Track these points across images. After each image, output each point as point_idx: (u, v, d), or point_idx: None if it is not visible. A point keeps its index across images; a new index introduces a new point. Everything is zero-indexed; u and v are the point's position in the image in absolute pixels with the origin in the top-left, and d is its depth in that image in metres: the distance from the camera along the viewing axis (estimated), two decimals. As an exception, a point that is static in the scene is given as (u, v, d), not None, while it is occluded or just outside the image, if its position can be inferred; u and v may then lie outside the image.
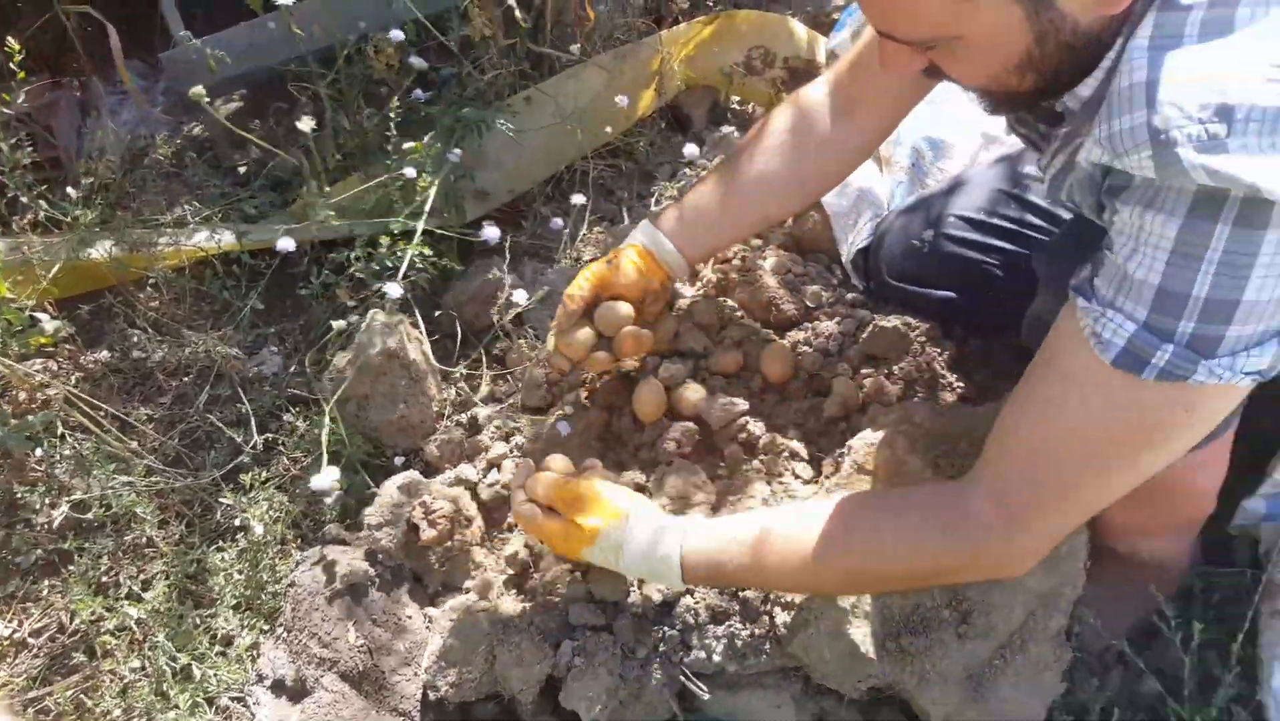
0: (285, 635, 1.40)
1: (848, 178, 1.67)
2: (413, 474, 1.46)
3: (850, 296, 1.64)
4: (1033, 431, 1.04)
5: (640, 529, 1.20)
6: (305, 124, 1.48)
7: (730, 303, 1.59)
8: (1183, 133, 0.81)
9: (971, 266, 1.52)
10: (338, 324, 1.45)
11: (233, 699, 1.39)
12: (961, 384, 1.52)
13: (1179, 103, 0.82)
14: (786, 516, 1.21)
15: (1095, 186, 0.97)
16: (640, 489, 1.43)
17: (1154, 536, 1.39)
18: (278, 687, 1.36)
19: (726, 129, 1.98)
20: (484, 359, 1.65)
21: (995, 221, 1.52)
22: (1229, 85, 0.80)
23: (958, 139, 1.84)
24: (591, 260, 1.62)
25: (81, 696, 1.37)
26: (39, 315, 1.52)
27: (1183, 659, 1.24)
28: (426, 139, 1.58)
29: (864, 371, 1.52)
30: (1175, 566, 1.43)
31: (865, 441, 1.39)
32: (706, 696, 1.30)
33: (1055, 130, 1.08)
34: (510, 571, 1.43)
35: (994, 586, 1.29)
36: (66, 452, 1.50)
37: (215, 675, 1.37)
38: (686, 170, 1.89)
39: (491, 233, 1.54)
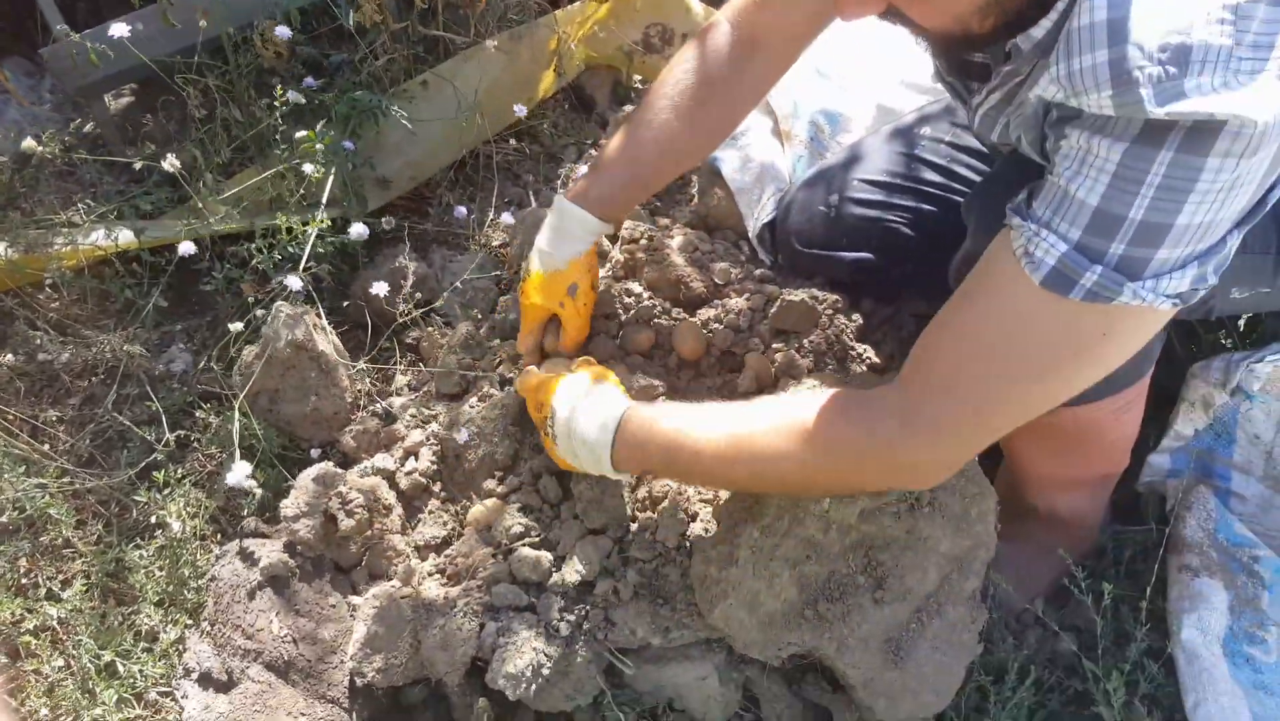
0: (209, 628, 1.42)
1: (749, 153, 1.72)
2: (327, 465, 1.49)
3: (759, 272, 1.69)
4: (956, 344, 1.06)
5: (589, 411, 1.27)
6: (169, 163, 1.44)
7: (633, 286, 1.63)
8: (1144, 73, 0.84)
9: (877, 225, 1.56)
10: (234, 326, 1.45)
11: (160, 693, 1.41)
12: (870, 354, 1.59)
13: (1140, 42, 0.84)
14: (715, 414, 1.24)
15: (1038, 121, 0.99)
16: (559, 476, 1.47)
17: (1073, 491, 1.44)
18: (204, 680, 1.39)
19: (629, 108, 2.01)
20: (396, 348, 1.67)
21: (897, 181, 1.56)
22: (1187, 26, 0.82)
23: (855, 111, 1.91)
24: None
25: (6, 697, 1.38)
26: (-67, 321, 1.50)
27: (1095, 618, 1.31)
28: (319, 127, 1.58)
29: (775, 346, 1.57)
30: (1091, 522, 1.50)
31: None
32: (632, 671, 1.36)
33: (998, 68, 1.09)
34: (431, 556, 1.47)
35: (907, 550, 1.33)
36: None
37: (141, 670, 1.39)
38: (592, 151, 1.92)
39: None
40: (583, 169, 1.91)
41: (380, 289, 1.53)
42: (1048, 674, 1.41)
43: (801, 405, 1.15)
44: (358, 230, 1.52)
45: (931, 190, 1.55)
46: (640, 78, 2.11)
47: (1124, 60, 0.85)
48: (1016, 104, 1.05)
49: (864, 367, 1.57)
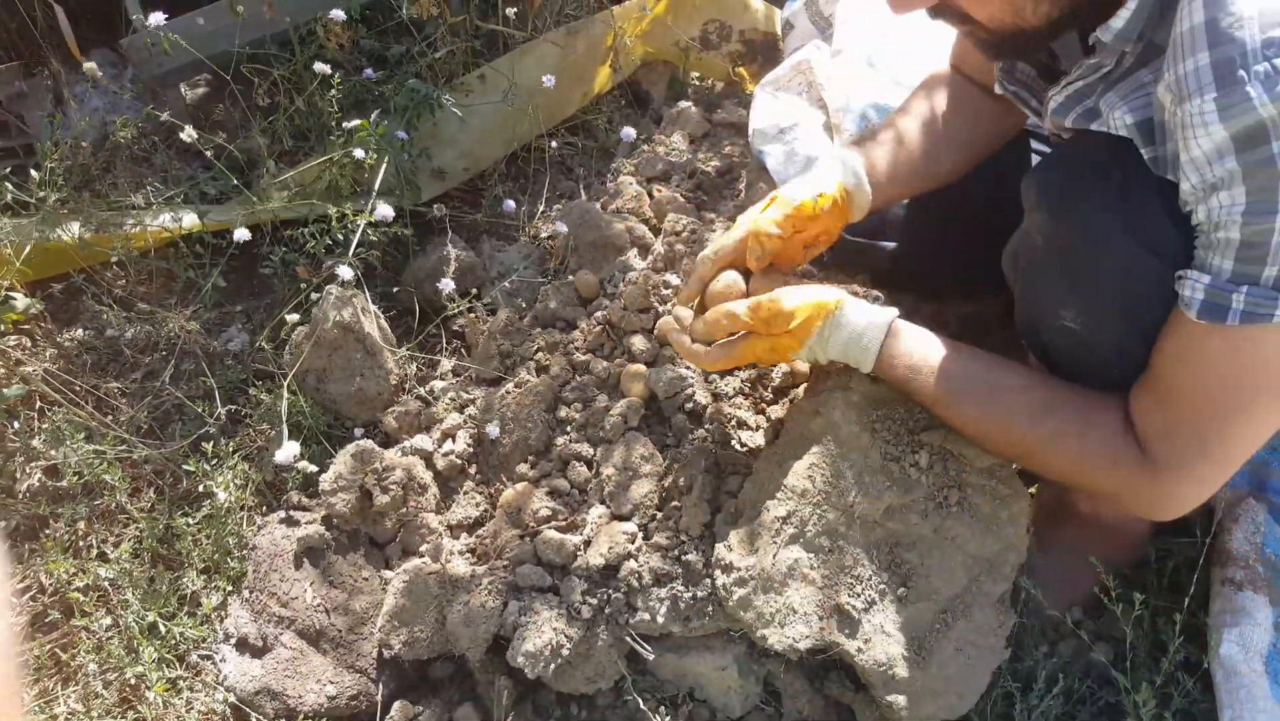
0: (248, 595, 1.48)
1: (795, 147, 1.71)
2: (365, 442, 1.53)
3: (800, 268, 1.68)
4: (1167, 389, 1.08)
5: (852, 316, 1.25)
6: (187, 133, 1.51)
7: (671, 279, 1.64)
8: (1250, 71, 0.83)
9: (921, 215, 1.54)
10: (291, 316, 1.51)
11: (201, 656, 1.47)
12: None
13: (1242, 40, 0.83)
14: (982, 374, 1.23)
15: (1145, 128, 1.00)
16: (588, 463, 1.49)
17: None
18: (241, 645, 1.44)
19: (684, 104, 2.02)
20: (443, 335, 1.71)
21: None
22: None
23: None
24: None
25: (58, 651, 1.45)
26: (12, 294, 1.59)
27: (1126, 630, 1.28)
28: (374, 116, 1.63)
29: None
30: (1137, 531, 1.46)
31: (800, 409, 1.44)
32: (652, 657, 1.36)
33: (1080, 62, 1.09)
34: (463, 536, 1.50)
35: (934, 549, 1.32)
36: (43, 425, 1.58)
37: (183, 633, 1.45)
38: (644, 147, 1.94)
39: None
40: (630, 167, 1.92)
41: (445, 285, 1.57)
42: (1078, 684, 1.36)
43: (1059, 426, 1.18)
44: (382, 211, 1.55)
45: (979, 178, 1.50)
46: (697, 74, 2.12)
47: (1228, 61, 0.84)
48: (1122, 94, 1.03)
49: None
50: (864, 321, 1.24)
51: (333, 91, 1.61)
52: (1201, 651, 1.31)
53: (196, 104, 1.88)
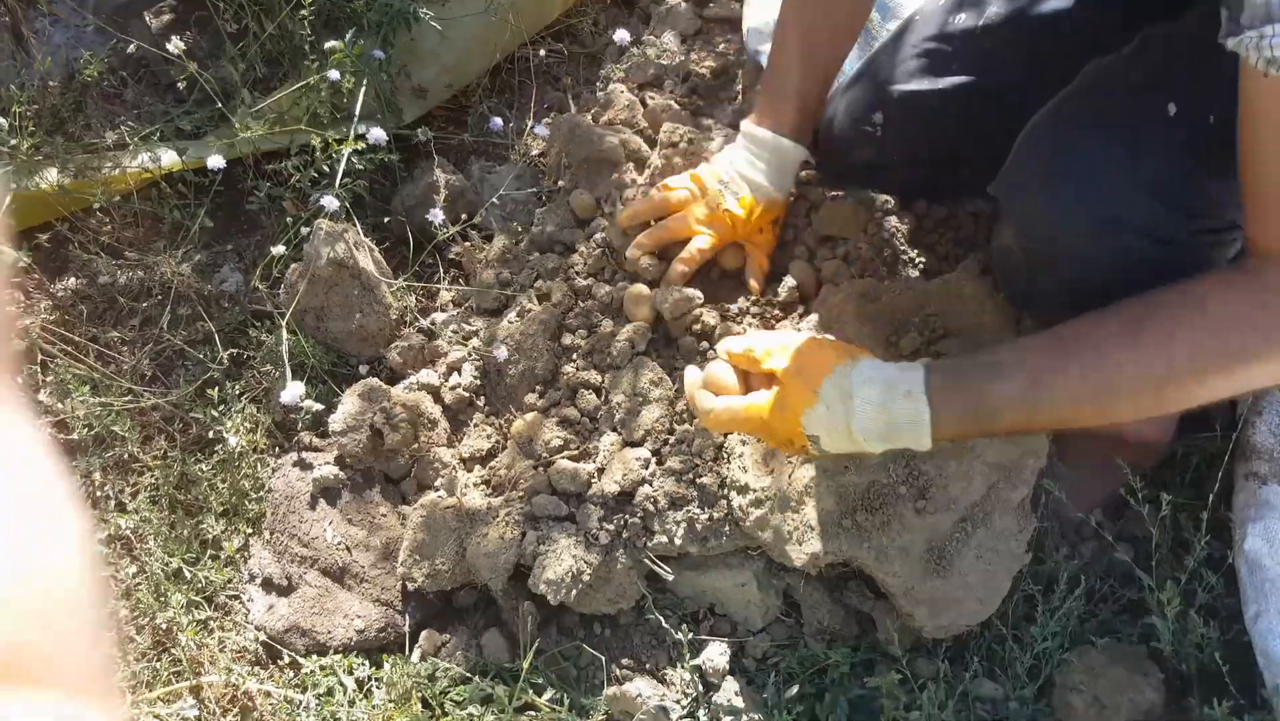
0: (269, 537, 1.49)
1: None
2: (372, 381, 1.52)
3: (802, 173, 1.62)
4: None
5: (871, 367, 1.03)
6: (174, 44, 1.46)
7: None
8: None
9: (928, 131, 1.44)
10: (276, 249, 1.47)
11: (229, 596, 1.49)
12: (923, 258, 1.52)
13: None
14: (1055, 340, 1.02)
15: None
16: (597, 390, 1.47)
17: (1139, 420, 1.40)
18: (267, 585, 1.47)
19: (673, 1, 1.92)
20: (440, 264, 1.67)
21: (948, 48, 1.42)
22: None
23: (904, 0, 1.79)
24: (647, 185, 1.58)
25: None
26: (-2, 248, 1.56)
27: (1150, 529, 1.27)
28: (349, 36, 1.55)
29: (821, 254, 1.52)
30: (1158, 441, 1.44)
31: (814, 323, 1.41)
32: (671, 577, 1.38)
33: None
34: (476, 468, 1.50)
35: (951, 459, 1.31)
36: (47, 379, 1.57)
37: (207, 576, 1.46)
38: (633, 50, 1.85)
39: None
40: (620, 73, 1.85)
41: (434, 215, 1.52)
42: (1100, 584, 1.38)
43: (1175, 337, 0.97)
44: (375, 135, 1.50)
45: (988, 56, 1.39)
46: (685, -32, 2.01)
47: None
48: None
49: (917, 272, 1.51)
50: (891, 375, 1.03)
51: (304, 11, 1.53)
52: (1225, 547, 1.32)
53: (162, 33, 1.79)
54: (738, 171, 1.44)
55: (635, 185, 1.60)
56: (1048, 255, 1.17)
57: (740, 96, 1.77)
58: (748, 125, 1.44)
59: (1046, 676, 1.34)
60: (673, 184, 1.48)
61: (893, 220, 1.54)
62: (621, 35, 1.71)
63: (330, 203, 1.43)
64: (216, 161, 1.46)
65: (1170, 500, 1.24)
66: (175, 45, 1.45)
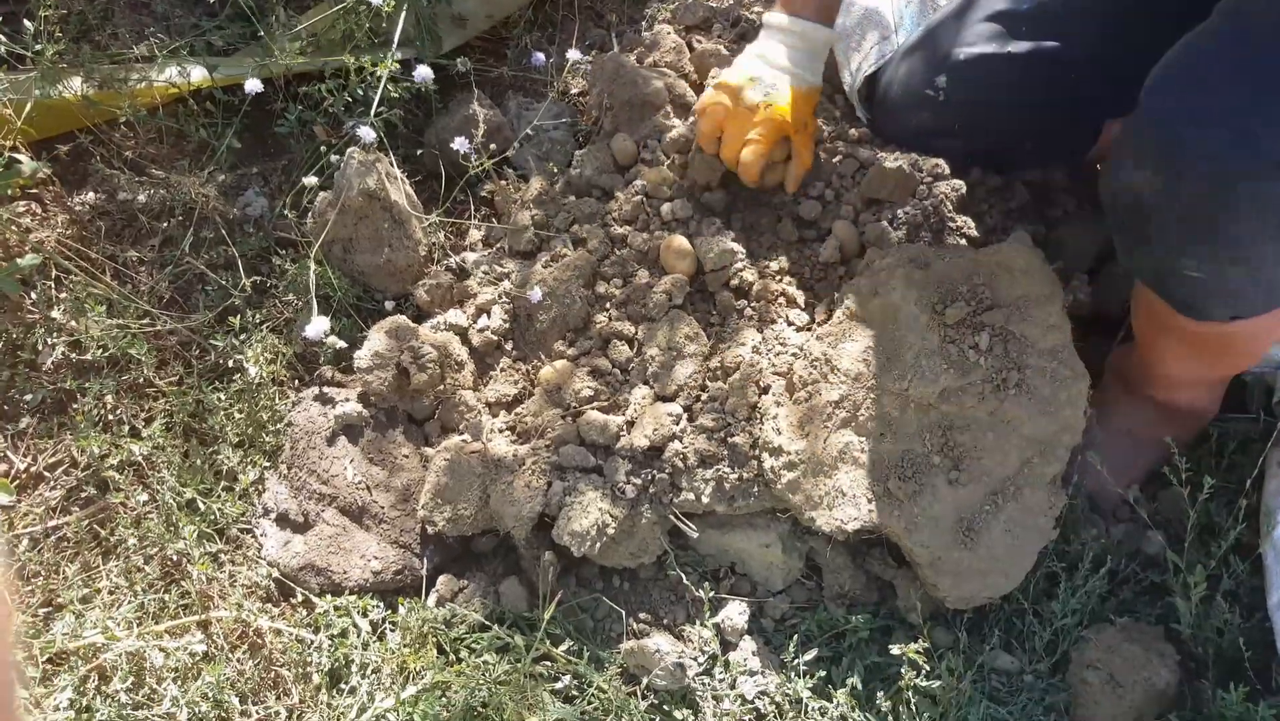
0: (286, 471, 1.46)
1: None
2: (400, 319, 1.48)
3: (853, 131, 1.58)
4: None
5: None
6: None
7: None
8: None
9: (991, 104, 1.40)
10: (308, 180, 1.42)
11: (241, 530, 1.47)
12: (970, 226, 1.48)
13: None
14: None
15: None
16: (630, 341, 1.44)
17: (1197, 388, 1.39)
18: (282, 521, 1.44)
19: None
20: (471, 201, 1.63)
21: (1020, 12, 1.37)
22: None
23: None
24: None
25: (95, 526, 1.45)
26: (16, 156, 1.50)
27: (1188, 511, 1.27)
28: (393, -42, 1.49)
29: (865, 217, 1.48)
30: (1206, 414, 1.44)
31: (858, 287, 1.38)
32: (696, 535, 1.36)
33: None
34: (502, 414, 1.47)
35: (988, 431, 1.30)
36: (62, 295, 1.52)
37: (221, 509, 1.44)
38: (680, -9, 1.79)
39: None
40: (666, 12, 1.79)
41: (461, 144, 1.47)
42: (1125, 564, 1.37)
43: None
44: (422, 73, 1.45)
45: (1062, 21, 1.35)
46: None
47: None
48: None
49: (962, 240, 1.48)
50: None
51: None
52: (1254, 534, 1.31)
53: (193, -59, 1.72)
54: (771, 66, 1.40)
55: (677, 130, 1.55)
56: (1187, 198, 1.07)
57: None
58: (771, 17, 1.41)
59: (1063, 652, 1.34)
60: (706, 103, 1.44)
61: (942, 187, 1.50)
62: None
63: (366, 133, 1.38)
64: (254, 85, 1.41)
65: (1212, 483, 1.23)
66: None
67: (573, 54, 1.58)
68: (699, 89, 1.62)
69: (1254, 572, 1.31)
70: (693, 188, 1.52)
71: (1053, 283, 1.35)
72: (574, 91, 1.70)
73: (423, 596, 1.41)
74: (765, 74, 1.39)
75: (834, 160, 1.52)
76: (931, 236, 1.46)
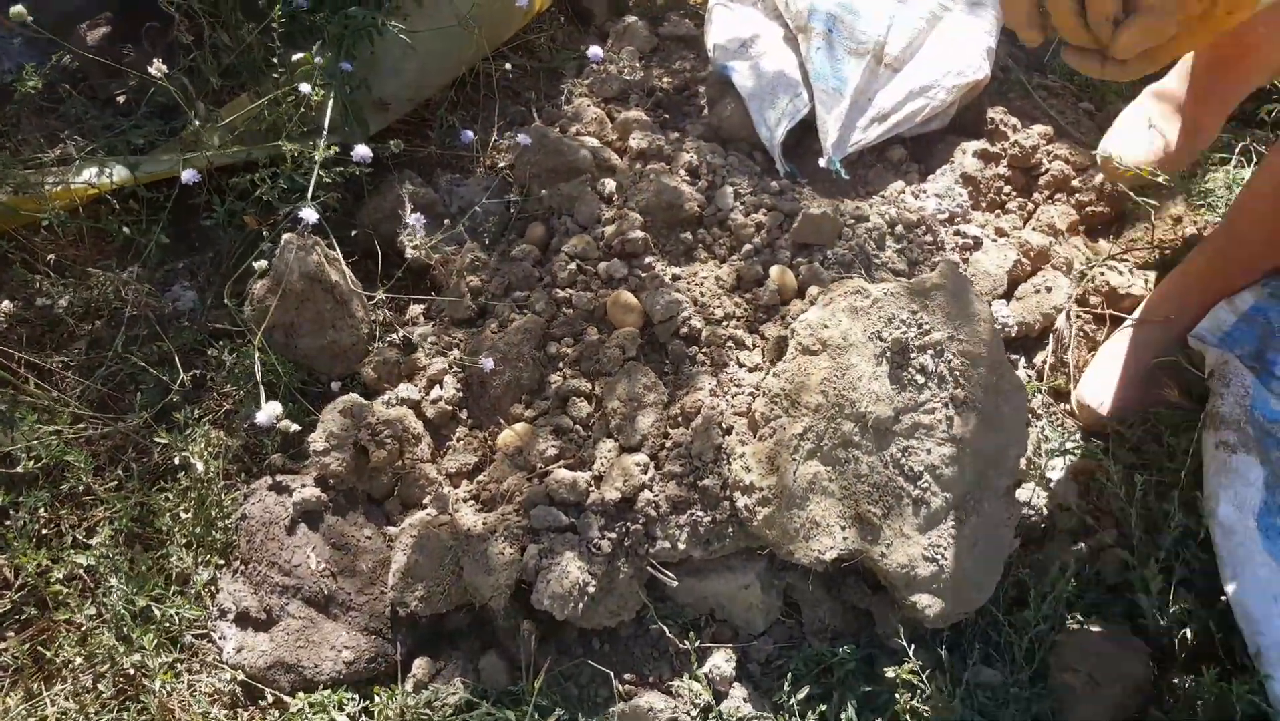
0: (243, 567, 1.40)
1: (760, 64, 1.65)
2: (353, 397, 1.46)
3: (775, 184, 1.65)
4: None
5: None
6: (156, 68, 1.39)
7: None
8: None
9: None
10: (259, 264, 1.40)
11: (196, 635, 1.39)
12: (896, 260, 1.55)
13: None
14: None
15: None
16: (588, 397, 1.45)
17: None
18: (242, 620, 1.37)
19: (630, 19, 1.94)
20: (409, 277, 1.62)
21: None
22: None
23: (868, 2, 1.84)
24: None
25: (39, 648, 1.35)
26: (-72, 270, 1.44)
27: (1127, 509, 1.32)
28: (315, 49, 1.50)
29: (798, 260, 1.55)
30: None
31: (808, 323, 1.43)
32: (675, 584, 1.36)
33: None
34: (463, 484, 1.45)
35: (944, 447, 1.35)
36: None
37: (177, 613, 1.36)
38: (594, 66, 1.86)
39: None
40: (582, 88, 1.84)
41: (415, 220, 1.47)
42: (1087, 567, 1.42)
43: None
44: (361, 153, 1.46)
45: None
46: (636, -12, 2.04)
47: None
48: None
49: (890, 274, 1.56)
50: None
51: (273, 22, 1.48)
52: (1193, 517, 1.37)
53: (100, 46, 1.70)
54: None
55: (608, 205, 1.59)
56: None
57: (706, 110, 1.79)
58: None
59: (1040, 659, 1.37)
60: None
61: (863, 228, 1.58)
62: (594, 52, 1.71)
63: (309, 214, 1.37)
64: (191, 175, 1.38)
65: (1144, 480, 1.29)
66: (157, 68, 1.37)
67: (522, 138, 1.60)
68: (621, 153, 1.68)
69: (1201, 550, 1.37)
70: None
71: (980, 303, 1.43)
72: (501, 165, 1.72)
73: (399, 682, 1.36)
74: None
75: (759, 212, 1.59)
76: (863, 272, 1.53)
